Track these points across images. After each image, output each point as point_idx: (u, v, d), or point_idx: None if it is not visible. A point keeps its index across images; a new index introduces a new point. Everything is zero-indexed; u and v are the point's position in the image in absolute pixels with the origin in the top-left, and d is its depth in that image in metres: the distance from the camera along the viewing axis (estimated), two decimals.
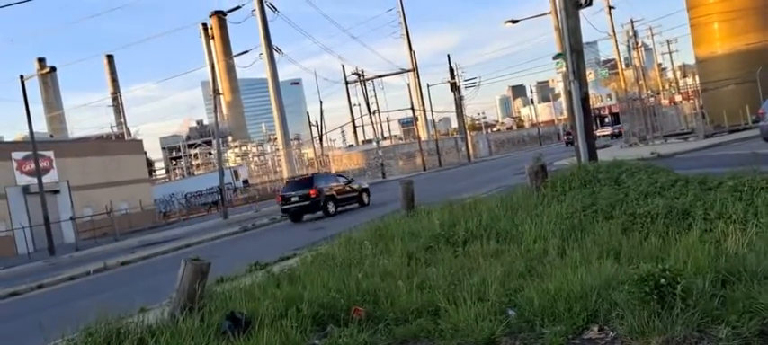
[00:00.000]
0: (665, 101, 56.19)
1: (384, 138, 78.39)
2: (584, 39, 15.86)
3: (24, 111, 29.29)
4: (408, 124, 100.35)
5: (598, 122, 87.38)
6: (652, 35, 73.00)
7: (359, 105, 75.18)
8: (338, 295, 6.39)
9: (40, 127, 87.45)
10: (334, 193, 26.26)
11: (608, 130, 69.82)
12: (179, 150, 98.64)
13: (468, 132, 79.64)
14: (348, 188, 27.80)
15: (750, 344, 4.19)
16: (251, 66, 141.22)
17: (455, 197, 14.48)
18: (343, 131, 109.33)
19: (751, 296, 4.67)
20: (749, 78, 32.73)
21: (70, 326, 6.22)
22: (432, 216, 10.74)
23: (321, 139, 79.83)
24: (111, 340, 5.84)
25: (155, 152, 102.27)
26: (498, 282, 6.12)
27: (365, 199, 28.05)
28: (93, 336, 5.92)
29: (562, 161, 27.44)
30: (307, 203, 25.27)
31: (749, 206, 7.15)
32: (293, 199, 25.62)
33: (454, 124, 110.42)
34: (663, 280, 4.49)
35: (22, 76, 30.22)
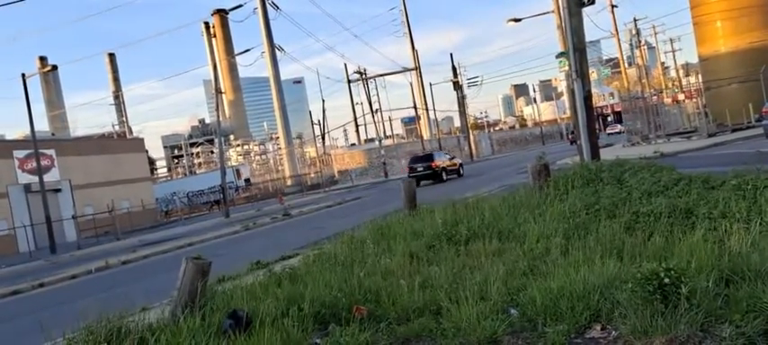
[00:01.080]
0: (668, 100, 56.09)
1: (386, 137, 78.40)
2: (587, 38, 15.81)
3: (26, 110, 29.39)
4: (411, 123, 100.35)
5: (601, 121, 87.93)
6: (655, 33, 72.81)
7: (361, 104, 75.20)
8: (340, 294, 6.36)
9: (42, 125, 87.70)
10: (445, 166, 35.94)
11: (617, 128, 72.99)
12: (181, 149, 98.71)
13: (470, 131, 79.56)
14: (452, 162, 37.66)
15: (755, 343, 4.15)
16: (253, 65, 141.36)
17: (458, 196, 14.45)
18: (345, 130, 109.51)
19: (755, 295, 4.63)
20: (753, 77, 32.61)
21: (71, 325, 6.20)
22: (434, 215, 10.72)
23: (323, 138, 79.94)
24: (112, 339, 5.81)
25: (157, 150, 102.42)
26: (500, 281, 6.09)
27: (461, 172, 37.98)
28: (93, 335, 5.90)
29: (565, 160, 27.42)
30: (429, 172, 34.43)
31: (753, 205, 7.11)
32: (418, 169, 34.92)
33: (457, 123, 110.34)
34: (666, 279, 4.46)
35: (23, 74, 30.28)
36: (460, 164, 39.31)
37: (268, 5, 60.45)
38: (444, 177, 34.86)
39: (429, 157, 36.55)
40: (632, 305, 4.62)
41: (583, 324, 4.94)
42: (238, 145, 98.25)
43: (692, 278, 4.74)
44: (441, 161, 36.10)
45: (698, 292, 4.61)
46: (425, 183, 33.07)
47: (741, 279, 5.02)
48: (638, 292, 4.62)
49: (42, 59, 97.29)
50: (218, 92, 42.66)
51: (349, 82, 72.15)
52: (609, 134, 71.49)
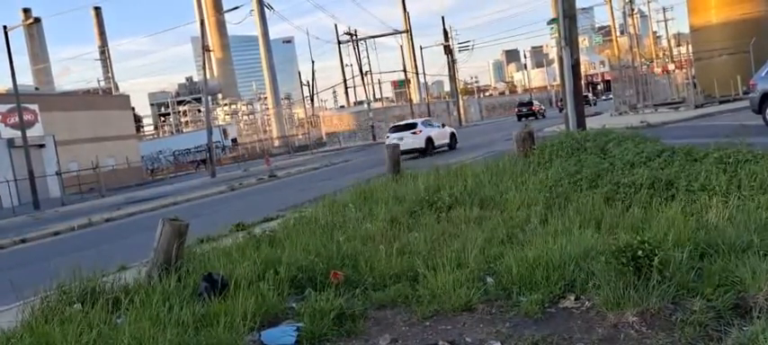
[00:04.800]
0: (658, 70, 56.07)
1: (375, 100, 77.82)
2: (581, 5, 15.66)
3: (8, 63, 28.81)
4: (401, 86, 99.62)
5: (591, 89, 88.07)
6: (648, 2, 72.34)
7: (351, 66, 74.41)
8: (317, 258, 6.33)
9: (26, 79, 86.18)
10: (538, 109, 58.80)
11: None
12: (168, 107, 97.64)
13: (460, 96, 79.24)
14: (540, 107, 61.05)
15: (723, 317, 4.17)
16: (242, 23, 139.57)
17: (442, 162, 14.43)
18: (334, 92, 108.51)
19: (728, 269, 4.65)
20: (742, 49, 32.55)
21: (49, 283, 6.14)
22: (417, 181, 10.69)
23: (312, 99, 79.23)
24: (86, 299, 5.77)
25: (144, 108, 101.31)
26: (478, 249, 6.09)
27: (545, 115, 58.01)
28: (67, 294, 5.86)
29: (552, 128, 27.43)
30: (530, 113, 56.51)
31: (733, 178, 7.12)
32: (523, 110, 57.29)
33: (447, 87, 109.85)
34: (640, 252, 4.46)
35: (5, 27, 29.58)
36: (545, 109, 63.17)
37: None
38: (538, 116, 54.46)
39: (530, 103, 61.00)
40: (606, 277, 4.62)
41: (557, 294, 4.95)
42: (226, 105, 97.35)
43: (667, 251, 4.75)
44: (536, 106, 59.75)
45: (671, 265, 4.62)
46: (525, 121, 45.63)
47: (716, 253, 5.03)
48: (613, 263, 4.63)
49: (26, 11, 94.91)
50: (206, 49, 41.98)
51: (339, 43, 71.09)
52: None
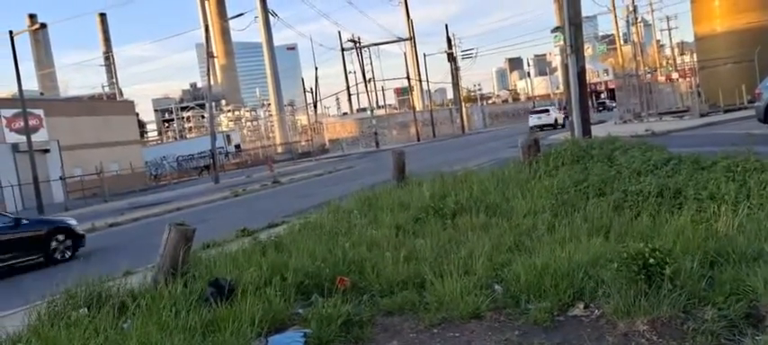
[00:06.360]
0: (662, 79, 56.06)
1: (379, 107, 77.89)
2: (584, 13, 15.66)
3: (14, 68, 28.90)
4: (404, 93, 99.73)
5: (594, 97, 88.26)
6: (652, 11, 72.47)
7: (354, 73, 74.47)
8: (324, 264, 6.32)
9: (31, 85, 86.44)
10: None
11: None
12: (172, 113, 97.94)
13: (463, 104, 79.23)
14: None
15: (736, 326, 4.14)
16: (246, 30, 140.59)
17: (447, 168, 14.38)
18: (337, 99, 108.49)
19: (739, 278, 4.61)
20: (747, 58, 32.47)
21: (53, 288, 6.13)
22: (422, 188, 10.67)
23: (315, 106, 79.37)
24: (93, 303, 5.76)
25: (148, 114, 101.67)
26: (486, 256, 6.05)
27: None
28: (74, 299, 5.85)
29: (556, 135, 27.39)
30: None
31: (742, 187, 7.08)
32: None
33: (450, 95, 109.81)
34: (651, 260, 4.43)
35: (11, 32, 29.72)
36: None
37: None
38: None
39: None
40: (616, 285, 4.59)
41: (566, 302, 4.92)
42: (230, 111, 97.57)
43: (677, 260, 4.71)
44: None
45: (682, 273, 4.58)
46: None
47: (726, 262, 5.00)
48: (623, 271, 4.60)
49: (31, 17, 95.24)
50: (210, 55, 42.10)
51: (342, 50, 71.24)
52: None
